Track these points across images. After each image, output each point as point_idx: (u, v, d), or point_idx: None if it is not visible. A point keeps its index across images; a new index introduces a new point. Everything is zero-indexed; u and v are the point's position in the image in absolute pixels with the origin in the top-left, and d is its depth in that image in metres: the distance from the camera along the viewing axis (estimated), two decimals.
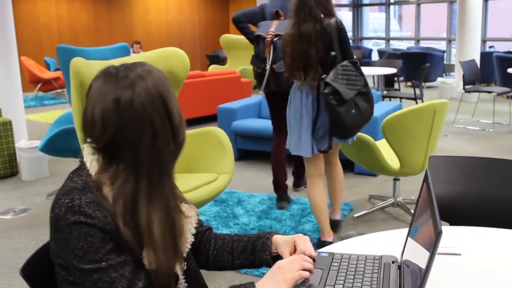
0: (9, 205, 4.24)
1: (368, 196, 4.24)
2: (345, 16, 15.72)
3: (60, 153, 4.28)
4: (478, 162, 1.96)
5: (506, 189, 1.88)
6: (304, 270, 1.17)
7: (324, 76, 2.92)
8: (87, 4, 13.29)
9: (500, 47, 12.13)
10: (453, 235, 1.54)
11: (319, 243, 3.19)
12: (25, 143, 4.92)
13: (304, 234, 1.31)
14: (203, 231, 1.42)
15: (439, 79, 10.14)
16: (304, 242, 1.28)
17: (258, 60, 3.74)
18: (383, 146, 3.72)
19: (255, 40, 3.75)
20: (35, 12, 12.40)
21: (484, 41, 11.55)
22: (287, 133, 3.21)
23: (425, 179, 1.23)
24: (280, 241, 1.31)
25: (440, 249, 1.40)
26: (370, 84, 8.18)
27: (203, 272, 1.38)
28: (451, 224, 1.85)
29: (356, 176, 4.75)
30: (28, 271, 1.23)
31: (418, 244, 1.13)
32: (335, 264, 1.28)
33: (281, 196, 4.01)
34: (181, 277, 1.21)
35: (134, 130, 1.10)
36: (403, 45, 15.24)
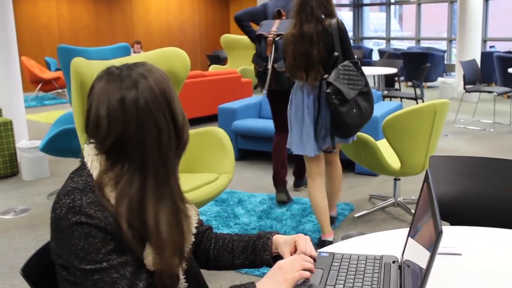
0: (10, 205, 4.24)
1: (368, 196, 4.24)
2: (345, 16, 15.73)
3: (61, 153, 4.29)
4: (479, 162, 1.96)
5: (507, 189, 1.88)
6: (304, 270, 1.17)
7: (326, 76, 2.94)
8: (88, 4, 13.30)
9: (501, 47, 12.11)
10: (453, 235, 1.54)
11: (320, 243, 3.20)
12: (25, 143, 4.92)
13: (305, 234, 1.31)
14: (203, 230, 1.42)
15: (439, 79, 10.14)
16: (305, 242, 1.28)
17: (259, 59, 3.77)
18: (383, 146, 3.72)
19: (257, 39, 3.77)
20: (36, 12, 12.40)
21: (484, 41, 11.55)
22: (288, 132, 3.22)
23: (426, 179, 1.23)
24: (281, 241, 1.31)
25: (440, 249, 1.40)
26: (371, 84, 8.19)
27: (204, 272, 1.38)
28: (451, 224, 1.85)
29: (357, 176, 4.75)
30: (29, 271, 1.23)
31: (418, 244, 1.13)
32: (336, 264, 1.28)
33: (280, 189, 4.01)
34: (181, 277, 1.21)
35: (139, 130, 1.10)
36: (403, 45, 15.24)
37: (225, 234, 1.42)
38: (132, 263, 1.10)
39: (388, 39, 14.32)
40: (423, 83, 8.14)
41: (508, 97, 9.24)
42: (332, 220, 3.56)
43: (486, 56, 9.83)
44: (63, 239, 1.09)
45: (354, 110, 2.92)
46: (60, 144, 4.13)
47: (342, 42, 2.97)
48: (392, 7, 14.83)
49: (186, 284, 1.23)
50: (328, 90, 2.88)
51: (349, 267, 1.27)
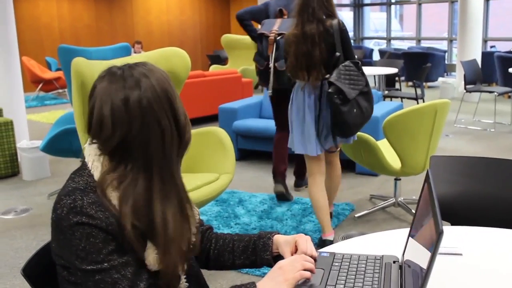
0: (11, 205, 4.24)
1: (369, 196, 4.24)
2: (346, 16, 15.72)
3: (62, 153, 4.29)
4: (479, 162, 1.96)
5: (507, 189, 1.88)
6: (305, 270, 1.17)
7: (327, 76, 2.96)
8: (89, 4, 13.31)
9: (502, 47, 12.11)
10: (454, 235, 1.54)
11: (320, 242, 3.20)
12: (26, 143, 4.92)
13: (305, 234, 1.31)
14: (203, 230, 1.42)
15: (440, 79, 10.13)
16: (305, 242, 1.28)
17: (261, 57, 3.79)
18: (384, 146, 3.72)
19: (258, 38, 3.78)
20: (37, 12, 12.41)
21: (485, 41, 11.55)
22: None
23: (426, 179, 1.23)
24: (281, 241, 1.31)
25: (441, 249, 1.40)
26: (371, 84, 8.19)
27: (204, 272, 1.38)
28: (452, 224, 1.85)
29: (357, 176, 4.75)
30: (30, 271, 1.23)
31: (419, 244, 1.13)
32: (336, 264, 1.28)
33: (278, 180, 4.01)
34: (182, 277, 1.21)
35: (143, 129, 1.09)
36: (404, 45, 15.23)
37: (225, 234, 1.42)
38: (133, 264, 1.10)
39: (388, 39, 14.32)
40: (424, 83, 8.14)
41: (509, 97, 9.24)
42: (330, 215, 3.56)
43: (486, 56, 9.83)
44: (64, 239, 1.09)
45: (355, 109, 2.95)
46: (61, 144, 4.13)
47: (343, 43, 2.99)
48: (393, 7, 14.83)
49: (187, 284, 1.23)
50: (330, 90, 2.90)
51: (349, 267, 1.27)
